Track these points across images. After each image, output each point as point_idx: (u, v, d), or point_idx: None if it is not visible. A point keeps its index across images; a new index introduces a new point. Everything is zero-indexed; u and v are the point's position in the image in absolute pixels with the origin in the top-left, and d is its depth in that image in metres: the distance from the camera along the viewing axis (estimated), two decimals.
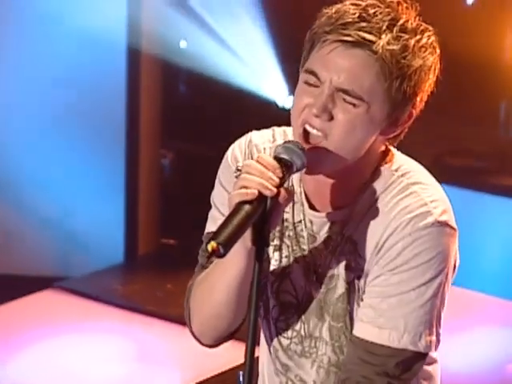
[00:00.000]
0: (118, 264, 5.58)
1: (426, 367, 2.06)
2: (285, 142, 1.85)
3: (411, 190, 1.94)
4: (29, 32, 5.40)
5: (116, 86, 5.54)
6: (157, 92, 5.74)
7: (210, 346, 2.11)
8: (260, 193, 1.73)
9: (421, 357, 1.95)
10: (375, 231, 1.94)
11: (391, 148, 1.99)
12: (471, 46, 5.89)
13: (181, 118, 5.75)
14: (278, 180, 1.74)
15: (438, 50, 1.89)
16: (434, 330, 1.92)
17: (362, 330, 1.94)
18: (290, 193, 1.83)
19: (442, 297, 1.93)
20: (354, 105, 1.85)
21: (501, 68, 5.97)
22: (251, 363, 1.74)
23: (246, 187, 1.74)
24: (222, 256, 1.70)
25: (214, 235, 1.66)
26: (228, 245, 1.68)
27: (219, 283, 2.01)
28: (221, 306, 2.02)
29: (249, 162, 1.82)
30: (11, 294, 4.55)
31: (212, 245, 1.65)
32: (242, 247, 1.84)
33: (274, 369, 2.15)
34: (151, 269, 5.62)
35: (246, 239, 1.79)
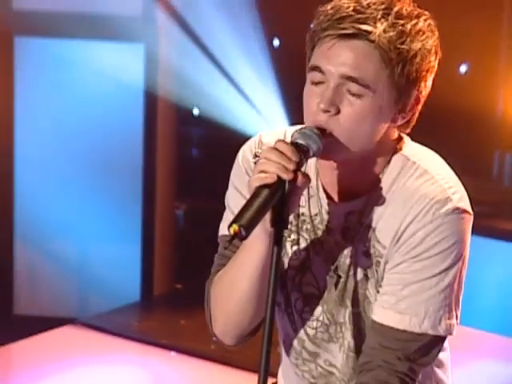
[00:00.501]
0: (135, 302, 5.65)
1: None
2: (301, 128, 1.88)
3: (428, 176, 1.98)
4: (47, 78, 5.52)
5: (134, 133, 5.63)
6: (172, 141, 5.83)
7: (233, 346, 2.14)
8: (278, 177, 1.77)
9: (440, 341, 1.99)
10: (394, 218, 1.98)
11: (404, 136, 2.04)
12: (466, 105, 6.01)
13: (194, 171, 5.95)
14: (295, 164, 1.78)
15: (436, 33, 1.95)
16: (454, 313, 1.95)
17: (382, 316, 1.97)
18: (308, 176, 1.87)
19: (460, 281, 1.97)
20: (360, 96, 1.90)
21: (493, 124, 6.08)
22: (269, 346, 1.74)
23: (264, 172, 1.78)
24: (243, 238, 1.74)
25: (236, 218, 1.71)
26: (249, 227, 1.73)
27: (240, 275, 2.04)
28: (243, 299, 2.05)
29: (267, 147, 1.87)
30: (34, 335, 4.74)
31: (234, 227, 1.71)
32: (262, 231, 1.89)
33: (299, 359, 2.19)
34: (165, 307, 5.67)
35: (266, 222, 1.82)
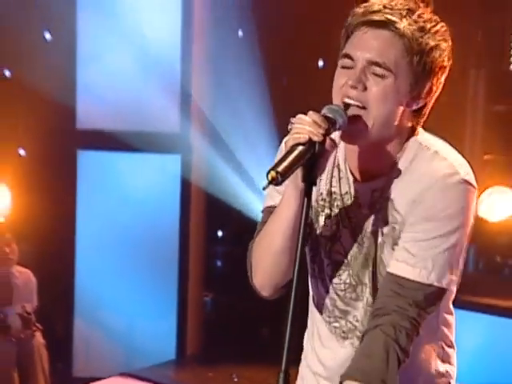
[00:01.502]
0: (171, 360, 6.32)
1: (446, 316, 2.31)
2: (329, 105, 2.03)
3: (439, 156, 2.14)
4: (104, 182, 6.30)
5: (172, 231, 6.32)
6: (202, 241, 6.53)
7: (269, 297, 2.30)
8: (310, 138, 1.92)
9: (442, 292, 2.15)
10: (410, 189, 2.14)
11: (418, 127, 2.19)
12: None
13: (219, 270, 6.82)
14: (324, 130, 1.92)
15: (449, 40, 2.11)
16: (454, 271, 2.13)
17: (396, 268, 2.12)
18: (335, 142, 2.02)
19: (462, 245, 2.13)
20: (383, 76, 2.06)
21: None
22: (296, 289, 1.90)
23: (298, 133, 1.93)
24: (279, 183, 1.90)
25: (273, 167, 1.87)
26: (284, 174, 1.88)
27: (276, 230, 2.18)
28: (277, 253, 2.20)
29: (300, 115, 2.01)
30: None
31: (272, 174, 1.88)
32: (294, 188, 2.04)
33: (331, 316, 2.35)
34: (197, 363, 6.31)
35: (298, 179, 1.98)
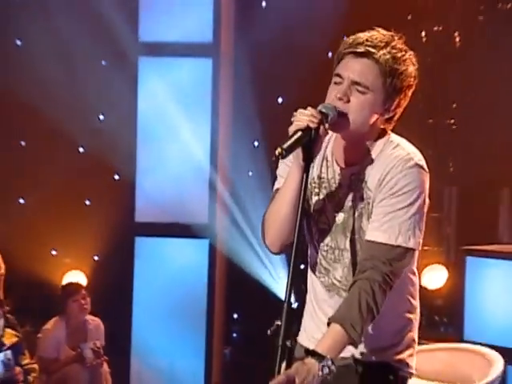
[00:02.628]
0: None
1: (411, 276, 2.63)
2: (324, 104, 2.40)
3: (399, 147, 2.50)
4: (151, 263, 7.00)
5: (201, 299, 6.99)
6: (223, 303, 7.20)
7: (277, 253, 2.67)
8: (308, 126, 2.29)
9: (409, 252, 2.49)
10: (378, 171, 2.49)
11: (388, 130, 2.54)
12: None
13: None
14: (318, 120, 2.31)
15: (416, 65, 2.50)
16: (417, 234, 2.46)
17: (371, 235, 2.47)
18: (326, 130, 2.39)
19: (421, 214, 2.48)
20: (363, 92, 2.43)
21: None
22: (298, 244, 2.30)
23: (299, 122, 2.29)
24: (283, 157, 2.30)
25: (279, 145, 2.24)
26: (288, 150, 2.28)
27: (283, 199, 2.51)
28: (284, 217, 2.52)
29: (301, 109, 2.36)
30: None
31: (278, 150, 2.25)
32: (297, 166, 2.41)
33: (320, 273, 2.66)
34: None
35: (299, 159, 2.36)
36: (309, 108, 2.35)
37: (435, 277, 6.77)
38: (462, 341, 5.94)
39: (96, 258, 7.42)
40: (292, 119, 2.37)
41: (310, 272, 2.69)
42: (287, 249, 2.52)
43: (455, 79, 7.37)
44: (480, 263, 6.05)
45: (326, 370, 2.31)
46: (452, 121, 7.36)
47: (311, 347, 2.40)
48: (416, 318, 2.68)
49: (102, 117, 7.42)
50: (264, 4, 7.25)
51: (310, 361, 2.31)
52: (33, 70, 7.19)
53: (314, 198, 2.61)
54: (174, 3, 6.98)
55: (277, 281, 7.06)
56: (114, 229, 7.13)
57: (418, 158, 2.49)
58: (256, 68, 6.70)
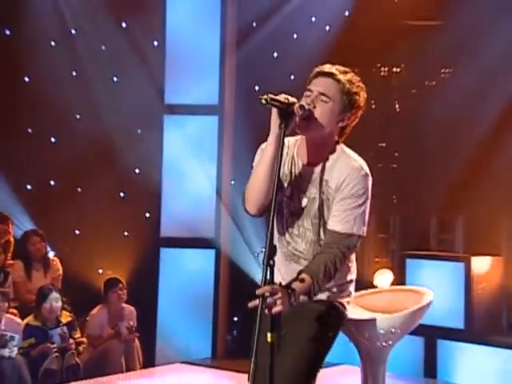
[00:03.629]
0: (208, 357, 7.07)
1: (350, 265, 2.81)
2: (302, 101, 2.55)
3: (352, 158, 2.69)
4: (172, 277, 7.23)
5: (209, 286, 7.22)
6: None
7: (256, 215, 2.69)
8: (288, 100, 2.50)
9: (360, 238, 2.65)
10: (338, 177, 2.64)
11: (340, 141, 2.74)
12: None
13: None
14: (294, 102, 2.52)
15: (365, 94, 2.70)
16: (365, 225, 2.66)
17: (334, 226, 2.62)
18: (298, 110, 2.52)
19: (367, 210, 2.67)
20: (326, 102, 2.60)
21: None
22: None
23: (287, 97, 2.50)
24: (267, 104, 2.44)
25: (268, 94, 2.41)
26: (271, 100, 2.47)
27: (262, 163, 2.59)
28: (262, 182, 2.59)
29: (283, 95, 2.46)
30: None
31: (265, 96, 2.39)
32: (274, 135, 2.52)
33: (282, 244, 2.76)
34: (224, 359, 6.92)
35: (277, 127, 2.50)
36: (285, 97, 2.58)
37: (384, 279, 6.99)
38: None
39: (132, 263, 7.64)
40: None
41: (277, 241, 2.80)
42: (262, 212, 2.67)
43: (397, 136, 7.76)
44: (416, 263, 6.72)
45: (293, 300, 2.50)
46: (395, 165, 7.72)
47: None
48: (353, 277, 2.92)
49: (137, 170, 7.67)
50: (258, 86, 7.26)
51: (287, 290, 2.48)
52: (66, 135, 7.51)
53: (286, 188, 2.76)
54: (190, 75, 7.26)
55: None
56: (145, 243, 7.56)
57: (366, 168, 2.71)
58: (253, 123, 6.59)
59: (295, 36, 7.45)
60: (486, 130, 6.69)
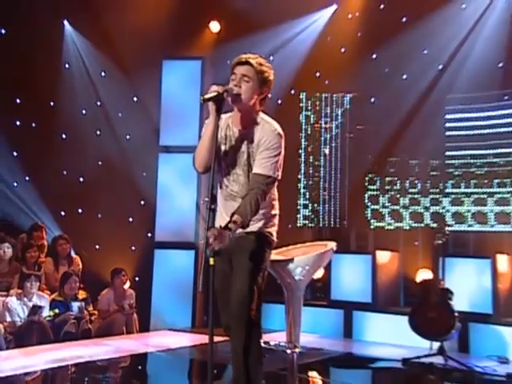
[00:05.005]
0: (188, 326, 7.21)
1: (275, 193, 2.93)
2: (229, 85, 2.71)
3: (270, 123, 2.86)
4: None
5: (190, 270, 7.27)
6: None
7: (202, 172, 2.85)
8: (219, 92, 2.70)
9: (275, 180, 2.80)
10: (259, 135, 2.81)
11: (261, 109, 2.88)
12: None
13: None
14: (224, 89, 2.72)
15: (272, 71, 2.86)
16: (278, 171, 2.81)
17: (256, 170, 2.78)
18: (227, 94, 2.67)
19: (279, 161, 2.81)
20: (247, 81, 2.78)
21: None
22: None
23: (214, 88, 2.69)
24: (204, 102, 2.61)
25: (203, 96, 2.58)
26: (206, 100, 2.65)
27: (205, 137, 2.77)
28: (205, 150, 2.76)
29: (214, 85, 2.66)
30: None
31: (201, 98, 2.60)
32: (212, 116, 2.70)
33: (222, 188, 2.91)
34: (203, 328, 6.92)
35: (214, 112, 2.69)
36: (220, 86, 2.74)
37: (319, 272, 6.95)
38: (329, 300, 7.20)
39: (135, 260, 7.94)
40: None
41: (218, 189, 2.98)
42: (207, 170, 2.86)
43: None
44: (339, 257, 6.88)
45: (231, 235, 2.67)
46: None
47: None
48: (277, 212, 3.03)
49: (142, 202, 8.07)
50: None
51: (226, 231, 2.64)
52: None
53: (223, 147, 2.94)
54: (179, 123, 7.58)
55: None
56: (144, 245, 7.90)
57: (280, 129, 2.87)
58: None
59: None
60: None
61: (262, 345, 2.86)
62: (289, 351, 4.56)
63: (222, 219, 2.87)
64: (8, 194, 7.74)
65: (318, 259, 4.12)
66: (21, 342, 5.76)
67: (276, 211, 3.04)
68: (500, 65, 6.53)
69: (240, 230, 2.77)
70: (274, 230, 3.03)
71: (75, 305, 6.38)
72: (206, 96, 2.69)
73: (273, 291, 4.60)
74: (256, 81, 2.84)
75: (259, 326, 2.86)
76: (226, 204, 2.97)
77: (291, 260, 4.15)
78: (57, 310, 6.26)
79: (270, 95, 2.93)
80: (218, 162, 2.85)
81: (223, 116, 2.89)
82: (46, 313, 6.16)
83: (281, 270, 4.08)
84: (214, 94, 2.71)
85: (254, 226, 2.91)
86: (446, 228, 5.59)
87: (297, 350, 4.44)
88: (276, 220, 3.03)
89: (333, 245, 4.29)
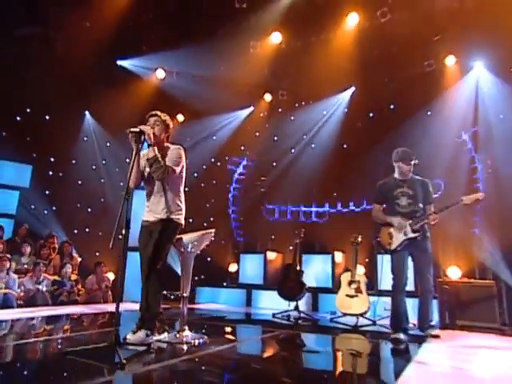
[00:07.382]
0: None
1: (180, 188, 2.94)
2: (144, 126, 2.72)
3: (173, 146, 3.03)
4: None
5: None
6: None
7: (133, 189, 2.72)
8: (139, 130, 2.84)
9: (173, 171, 2.84)
10: (168, 154, 3.00)
11: (168, 141, 3.04)
12: None
13: None
14: (142, 129, 2.84)
15: (170, 120, 3.02)
16: (177, 167, 2.80)
17: (168, 163, 2.75)
18: (145, 132, 2.74)
19: (180, 163, 2.86)
20: (158, 125, 3.04)
21: None
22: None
23: (135, 129, 2.80)
24: (131, 137, 2.68)
25: (129, 130, 2.60)
26: (130, 133, 2.74)
27: (132, 167, 2.82)
28: (133, 176, 2.82)
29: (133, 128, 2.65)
30: None
31: (127, 131, 2.63)
32: (135, 149, 2.75)
33: (151, 193, 2.84)
34: None
35: (135, 146, 2.69)
36: (139, 127, 2.76)
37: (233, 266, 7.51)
38: (238, 284, 7.31)
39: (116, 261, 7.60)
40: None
41: (150, 196, 2.95)
42: (136, 187, 3.01)
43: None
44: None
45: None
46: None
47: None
48: (182, 205, 3.03)
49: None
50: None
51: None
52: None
53: (147, 169, 3.13)
54: None
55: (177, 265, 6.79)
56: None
57: (180, 147, 3.04)
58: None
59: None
60: None
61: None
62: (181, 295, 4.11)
63: (149, 215, 3.16)
64: (40, 219, 7.92)
65: (201, 237, 4.07)
66: (30, 305, 6.00)
67: (182, 205, 3.19)
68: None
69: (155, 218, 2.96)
70: (179, 217, 3.18)
71: (68, 284, 6.73)
72: (130, 132, 2.88)
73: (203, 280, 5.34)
74: (162, 125, 3.19)
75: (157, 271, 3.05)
76: (152, 202, 3.23)
77: (183, 238, 3.93)
78: (55, 286, 6.63)
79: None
80: (145, 180, 3.19)
81: (144, 151, 3.14)
82: (48, 288, 6.50)
83: (179, 246, 3.97)
84: (137, 130, 2.91)
85: (164, 214, 3.09)
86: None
87: (184, 295, 4.01)
88: (182, 210, 3.20)
89: (212, 231, 4.27)
